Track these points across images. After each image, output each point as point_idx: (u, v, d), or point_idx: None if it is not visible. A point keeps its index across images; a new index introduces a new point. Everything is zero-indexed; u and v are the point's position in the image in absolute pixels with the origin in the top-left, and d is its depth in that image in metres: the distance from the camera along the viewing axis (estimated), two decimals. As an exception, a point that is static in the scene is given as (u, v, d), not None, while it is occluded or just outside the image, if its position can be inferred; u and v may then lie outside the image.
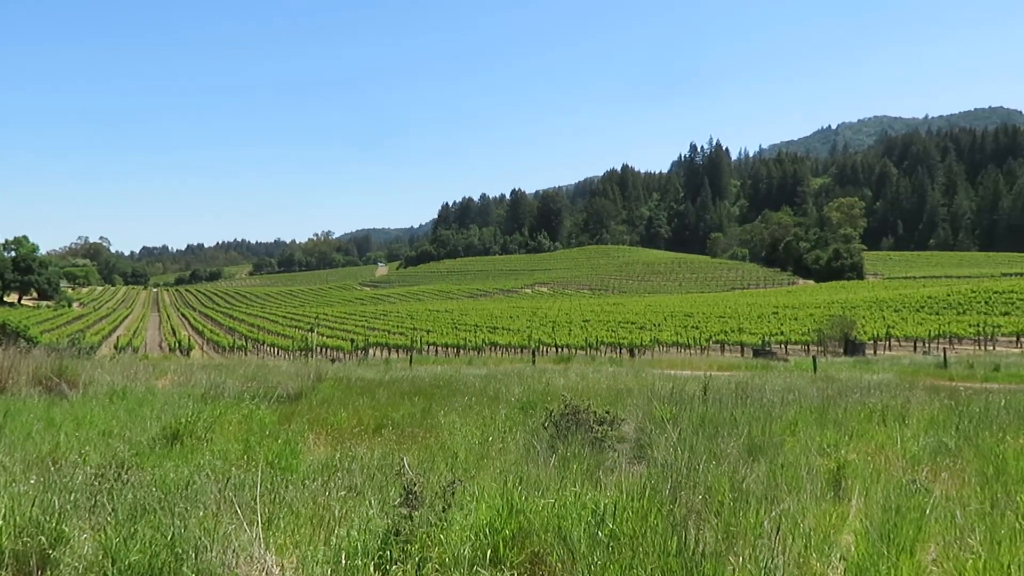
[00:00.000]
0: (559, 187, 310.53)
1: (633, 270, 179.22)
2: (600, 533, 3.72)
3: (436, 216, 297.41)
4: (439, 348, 53.51)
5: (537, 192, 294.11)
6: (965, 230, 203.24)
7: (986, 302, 69.75)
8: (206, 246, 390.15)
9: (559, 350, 46.82)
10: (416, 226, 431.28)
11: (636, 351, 45.76)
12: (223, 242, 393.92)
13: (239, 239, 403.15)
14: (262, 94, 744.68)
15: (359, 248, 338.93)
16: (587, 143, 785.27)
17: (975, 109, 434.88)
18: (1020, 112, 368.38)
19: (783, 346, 47.19)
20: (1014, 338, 47.64)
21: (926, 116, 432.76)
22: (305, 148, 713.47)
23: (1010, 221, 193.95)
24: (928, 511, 4.55)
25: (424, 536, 3.61)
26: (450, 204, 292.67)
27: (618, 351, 46.75)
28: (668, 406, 8.80)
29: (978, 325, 51.06)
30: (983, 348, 45.13)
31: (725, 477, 5.09)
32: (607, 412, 6.94)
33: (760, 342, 46.50)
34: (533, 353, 34.69)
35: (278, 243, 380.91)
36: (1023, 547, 4.03)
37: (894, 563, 3.68)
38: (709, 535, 3.88)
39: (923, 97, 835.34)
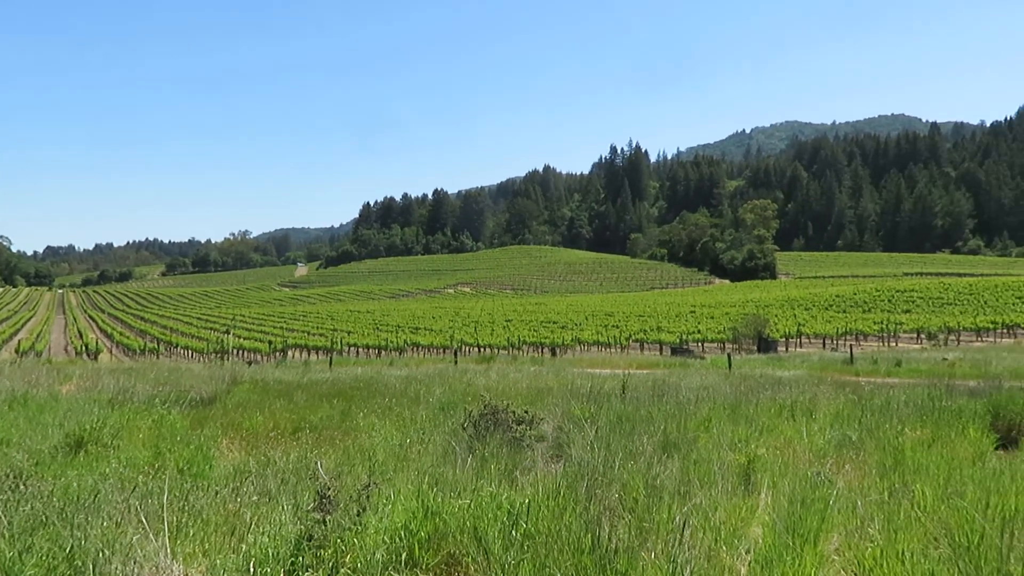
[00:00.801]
0: (481, 187, 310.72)
1: (555, 270, 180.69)
2: (515, 533, 3.73)
3: (357, 216, 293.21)
4: (360, 349, 52.84)
5: (460, 192, 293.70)
6: (870, 231, 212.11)
7: (889, 300, 73.01)
8: (116, 245, 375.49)
9: (481, 350, 46.85)
10: (337, 226, 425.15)
11: (558, 350, 46.14)
12: (134, 241, 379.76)
13: (151, 238, 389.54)
14: (171, 87, 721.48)
15: (278, 248, 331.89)
16: (509, 144, 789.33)
17: (879, 116, 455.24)
18: (920, 120, 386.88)
19: (700, 344, 48.31)
20: (915, 334, 49.96)
21: (834, 122, 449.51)
22: (220, 144, 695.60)
23: (911, 223, 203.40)
24: (832, 502, 4.72)
25: (338, 541, 3.55)
26: (372, 204, 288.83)
27: (540, 350, 47.06)
28: (587, 405, 8.91)
29: (882, 322, 53.40)
30: (887, 344, 47.18)
31: (640, 474, 5.18)
32: (526, 412, 6.98)
33: (678, 340, 47.49)
34: (455, 353, 34.60)
35: (192, 243, 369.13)
36: (918, 534, 4.24)
37: (798, 553, 3.81)
38: (623, 531, 3.94)
39: (831, 103, 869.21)
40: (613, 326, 58.71)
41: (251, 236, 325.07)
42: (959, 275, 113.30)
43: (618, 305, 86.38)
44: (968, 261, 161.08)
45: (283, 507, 4.41)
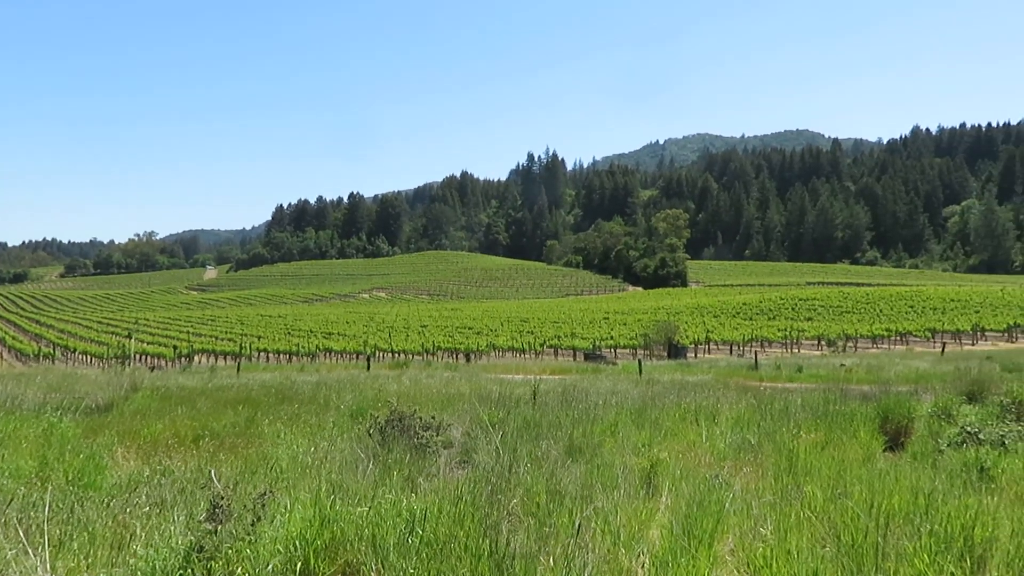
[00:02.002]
0: (398, 192, 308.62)
1: (471, 276, 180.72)
2: (411, 540, 3.70)
3: (270, 218, 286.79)
4: (270, 355, 51.66)
5: (376, 196, 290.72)
6: (776, 242, 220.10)
7: (793, 308, 75.84)
8: (10, 245, 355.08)
9: (395, 355, 46.44)
10: (249, 228, 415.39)
11: (472, 356, 46.19)
12: (30, 241, 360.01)
13: (49, 238, 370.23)
14: (66, 77, 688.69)
15: (186, 250, 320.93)
16: (426, 149, 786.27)
17: (785, 131, 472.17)
18: (823, 135, 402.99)
19: (613, 350, 49.09)
20: (816, 341, 52.05)
21: (743, 135, 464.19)
22: (123, 139, 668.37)
23: (813, 234, 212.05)
24: (728, 504, 4.85)
25: (229, 552, 3.45)
26: (285, 206, 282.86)
27: (455, 356, 47.01)
28: (496, 410, 8.92)
29: (786, 330, 55.46)
30: (790, 351, 48.99)
31: (543, 479, 5.21)
32: (433, 418, 6.94)
33: (591, 346, 48.17)
34: (368, 359, 34.12)
35: (94, 243, 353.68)
36: (807, 534, 4.40)
37: (693, 555, 3.90)
38: (523, 536, 3.95)
39: (740, 117, 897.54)
40: (528, 332, 59.09)
41: (157, 237, 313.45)
42: (857, 285, 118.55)
43: (533, 311, 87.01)
44: (866, 272, 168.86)
45: (175, 518, 4.26)
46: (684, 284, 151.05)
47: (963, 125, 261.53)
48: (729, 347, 50.64)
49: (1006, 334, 53.56)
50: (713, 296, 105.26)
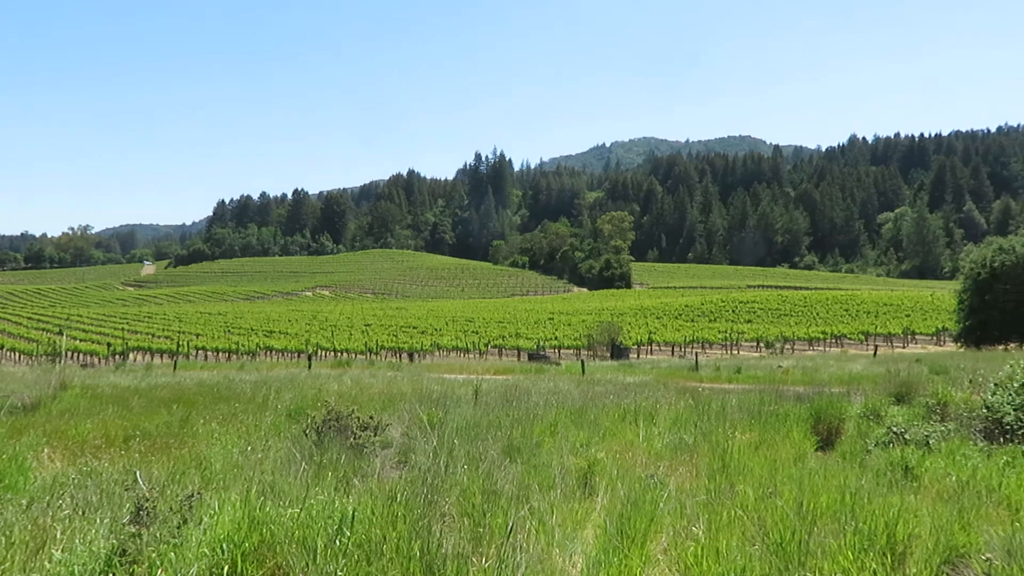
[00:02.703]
0: (344, 189, 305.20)
1: (417, 275, 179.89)
2: (340, 541, 3.65)
3: (211, 213, 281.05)
4: (209, 353, 50.62)
5: (321, 193, 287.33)
6: (718, 245, 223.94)
7: (733, 311, 77.27)
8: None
9: (338, 354, 45.90)
10: (189, 223, 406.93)
11: (416, 355, 45.96)
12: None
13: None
14: (10, 68, 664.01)
15: (123, 245, 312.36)
16: (373, 146, 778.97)
17: (728, 136, 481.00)
18: (764, 142, 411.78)
19: (557, 350, 49.33)
20: (755, 343, 53.12)
21: (687, 140, 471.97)
22: (57, 130, 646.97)
23: (754, 238, 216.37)
24: (662, 504, 4.91)
25: (153, 555, 3.35)
26: (227, 201, 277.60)
27: (398, 355, 46.70)
28: (437, 410, 8.89)
29: (726, 332, 56.45)
30: (730, 352, 49.85)
31: (479, 479, 5.20)
32: (371, 418, 6.87)
33: (536, 346, 48.33)
34: (309, 358, 33.67)
35: (25, 236, 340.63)
36: (737, 533, 4.48)
37: (626, 555, 3.94)
38: (456, 537, 3.94)
39: (685, 122, 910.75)
40: (473, 332, 59.03)
41: (93, 231, 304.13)
42: (796, 288, 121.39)
43: (479, 311, 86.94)
44: (804, 275, 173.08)
45: (99, 521, 4.13)
46: (628, 286, 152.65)
47: (897, 135, 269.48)
48: (671, 348, 51.34)
49: (935, 337, 55.40)
50: (656, 298, 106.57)
